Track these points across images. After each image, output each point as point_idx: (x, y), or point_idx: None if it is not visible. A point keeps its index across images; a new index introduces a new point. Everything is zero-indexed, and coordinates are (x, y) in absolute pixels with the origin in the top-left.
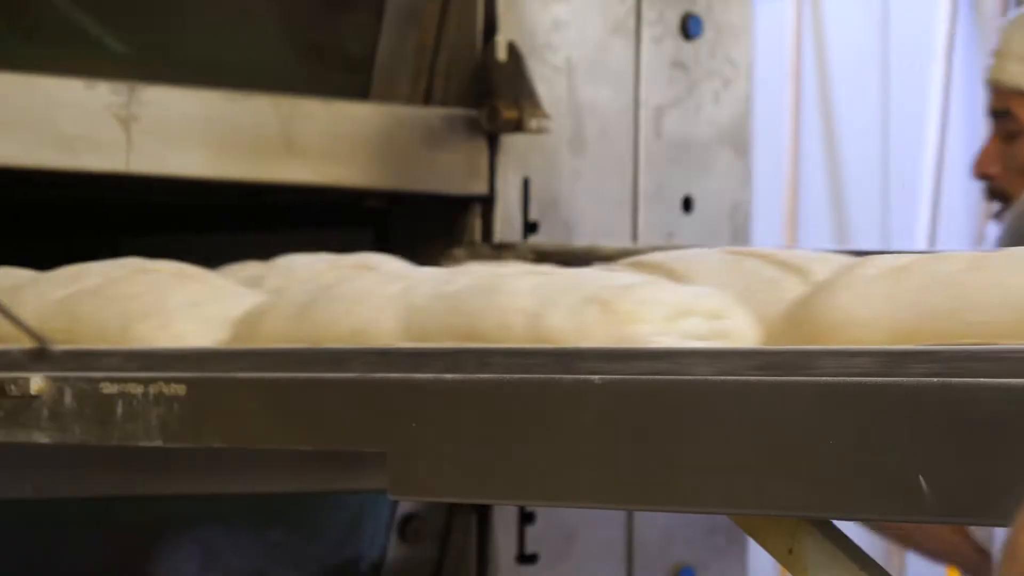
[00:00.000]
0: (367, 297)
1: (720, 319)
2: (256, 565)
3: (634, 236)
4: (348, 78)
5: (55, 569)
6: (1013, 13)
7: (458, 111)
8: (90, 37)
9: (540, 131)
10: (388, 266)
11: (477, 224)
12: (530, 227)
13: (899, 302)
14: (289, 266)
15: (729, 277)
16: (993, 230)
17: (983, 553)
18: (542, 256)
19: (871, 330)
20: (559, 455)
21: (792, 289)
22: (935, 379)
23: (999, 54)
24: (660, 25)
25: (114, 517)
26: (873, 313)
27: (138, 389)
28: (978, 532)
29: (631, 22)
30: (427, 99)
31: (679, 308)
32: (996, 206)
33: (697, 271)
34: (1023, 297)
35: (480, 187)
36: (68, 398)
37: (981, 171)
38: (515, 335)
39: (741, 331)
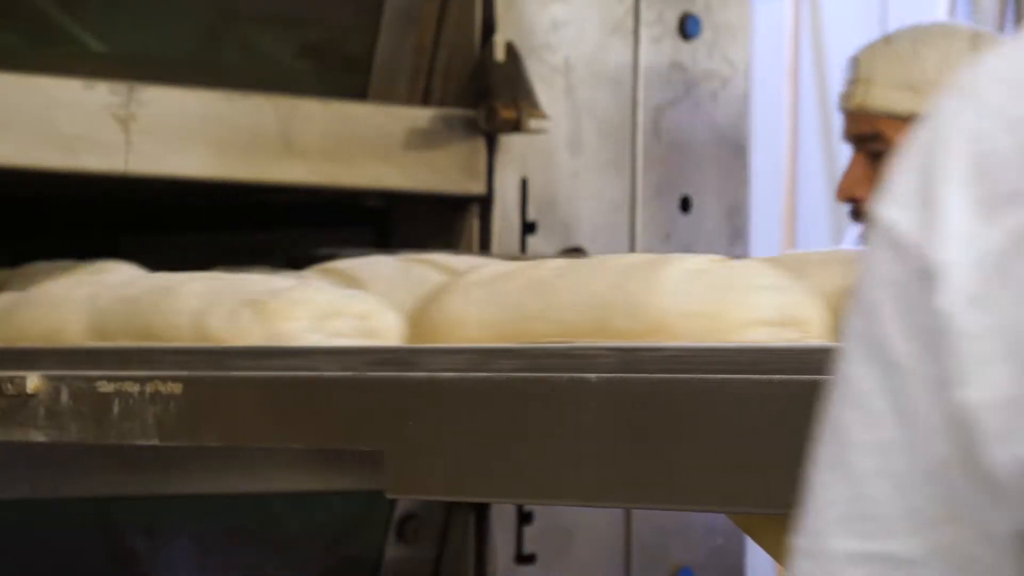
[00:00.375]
0: (60, 301)
1: (367, 319)
2: (254, 565)
3: (632, 236)
4: (347, 78)
5: (53, 569)
6: (1011, 13)
7: (456, 111)
8: (88, 37)
9: (538, 131)
10: (120, 271)
11: (475, 224)
12: (528, 227)
13: (499, 304)
14: (34, 272)
15: (400, 281)
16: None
17: None
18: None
19: (477, 329)
20: (557, 454)
21: None
22: None
23: (863, 81)
24: (658, 25)
25: (112, 516)
26: (478, 314)
27: (134, 388)
28: None
29: (629, 22)
30: (425, 99)
31: (327, 309)
32: (860, 228)
33: (373, 277)
34: (599, 299)
35: (478, 187)
36: (65, 397)
37: (848, 195)
38: (182, 335)
39: (388, 330)
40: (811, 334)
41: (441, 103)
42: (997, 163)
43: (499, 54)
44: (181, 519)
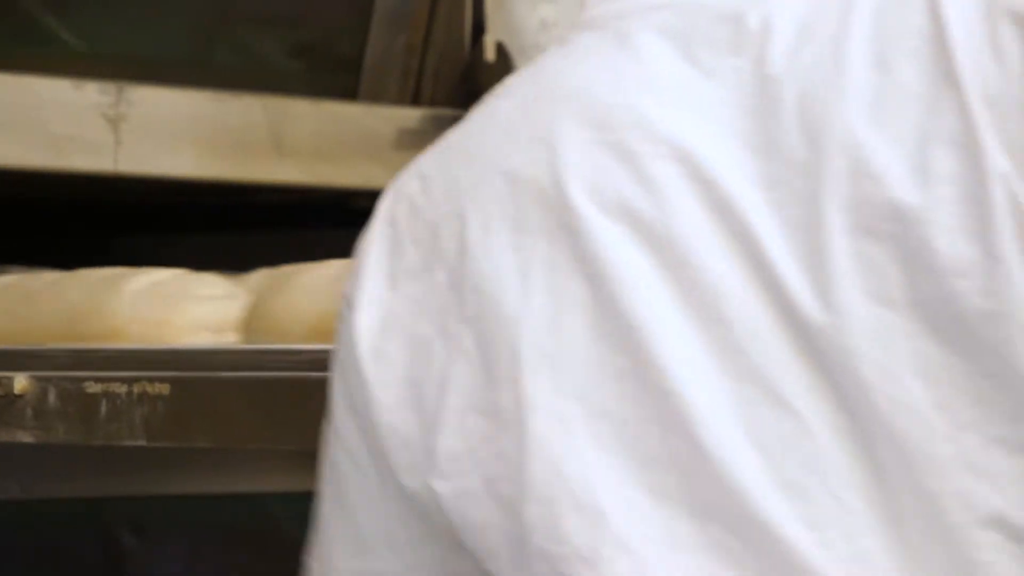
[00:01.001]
0: None
1: None
2: (244, 564)
3: None
4: (337, 78)
5: (45, 569)
6: None
7: (446, 111)
8: (76, 36)
9: None
10: None
11: None
12: None
13: (2, 310)
14: None
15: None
16: None
17: None
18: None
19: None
20: None
21: None
22: None
23: None
24: None
25: (104, 516)
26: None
27: (122, 388)
28: None
29: None
30: (416, 99)
31: None
32: None
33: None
34: (72, 306)
35: None
36: (52, 397)
37: None
38: None
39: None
40: (247, 340)
41: (431, 103)
42: (403, 241)
43: (489, 54)
44: (172, 519)
